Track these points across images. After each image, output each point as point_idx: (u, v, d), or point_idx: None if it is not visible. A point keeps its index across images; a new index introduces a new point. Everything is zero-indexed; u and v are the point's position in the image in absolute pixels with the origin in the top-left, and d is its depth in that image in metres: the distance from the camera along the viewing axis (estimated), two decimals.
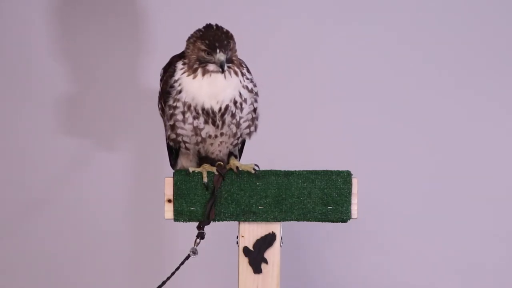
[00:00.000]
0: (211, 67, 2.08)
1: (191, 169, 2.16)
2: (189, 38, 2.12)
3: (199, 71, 2.09)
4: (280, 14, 3.07)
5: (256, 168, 2.16)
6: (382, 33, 3.08)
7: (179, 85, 2.10)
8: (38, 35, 3.06)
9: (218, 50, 2.06)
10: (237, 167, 2.15)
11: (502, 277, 3.09)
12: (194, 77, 2.09)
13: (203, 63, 2.08)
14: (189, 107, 2.09)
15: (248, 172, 2.14)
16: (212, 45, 2.07)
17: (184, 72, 2.10)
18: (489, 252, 3.09)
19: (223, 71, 2.08)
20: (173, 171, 2.21)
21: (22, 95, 3.07)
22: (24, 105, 3.07)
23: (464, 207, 3.09)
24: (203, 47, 2.07)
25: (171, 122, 2.12)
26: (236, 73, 2.11)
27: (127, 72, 3.07)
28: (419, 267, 3.09)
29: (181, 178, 2.14)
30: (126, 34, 3.06)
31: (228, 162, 2.21)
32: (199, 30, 2.11)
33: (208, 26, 2.11)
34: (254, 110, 2.17)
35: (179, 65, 2.12)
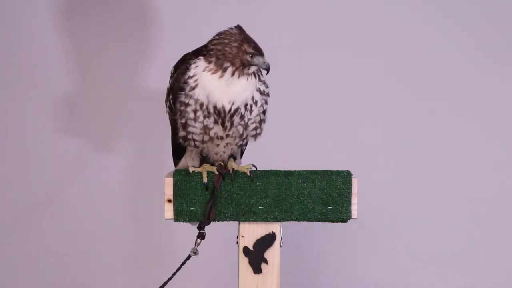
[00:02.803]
0: (252, 69, 2.10)
1: (191, 169, 2.15)
2: (228, 40, 2.08)
3: (229, 70, 2.07)
4: (279, 13, 3.07)
5: (253, 168, 2.16)
6: (381, 33, 3.08)
7: (195, 81, 2.09)
8: (38, 35, 3.06)
9: (263, 54, 2.10)
10: (233, 169, 2.15)
11: (502, 277, 3.09)
12: (220, 77, 2.07)
13: (246, 66, 2.09)
14: (201, 105, 2.08)
15: (244, 173, 2.15)
16: (257, 48, 2.10)
17: (207, 70, 2.08)
18: (489, 252, 3.09)
19: (268, 73, 2.12)
20: (173, 171, 2.21)
21: (22, 95, 3.07)
22: (24, 105, 3.07)
23: (464, 206, 3.09)
24: (250, 50, 2.08)
25: (183, 120, 2.11)
26: (255, 75, 2.12)
27: (128, 72, 3.07)
28: (419, 267, 3.09)
29: (181, 178, 2.14)
30: (127, 35, 3.06)
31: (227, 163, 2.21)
32: (237, 33, 2.10)
33: (241, 28, 2.11)
34: (264, 112, 2.17)
35: (201, 62, 2.09)
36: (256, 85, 2.12)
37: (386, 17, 3.08)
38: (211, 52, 2.09)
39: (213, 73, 2.08)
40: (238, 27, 2.11)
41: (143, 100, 3.05)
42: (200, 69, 2.09)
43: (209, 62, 2.09)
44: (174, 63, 2.17)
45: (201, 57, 2.10)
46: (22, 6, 3.05)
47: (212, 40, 2.11)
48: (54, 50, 3.06)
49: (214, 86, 2.07)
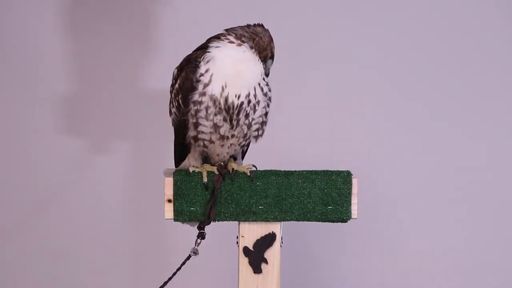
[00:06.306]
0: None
1: (191, 169, 2.15)
2: (263, 35, 2.14)
3: (247, 44, 2.11)
4: (280, 16, 3.07)
5: (253, 168, 2.16)
6: (381, 34, 3.08)
7: (209, 76, 2.07)
8: (39, 35, 3.06)
9: (273, 61, 2.20)
10: (233, 169, 2.15)
11: (502, 277, 3.09)
12: (239, 45, 2.10)
13: (264, 59, 2.15)
14: (214, 101, 2.08)
15: (244, 174, 2.15)
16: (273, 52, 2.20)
17: (225, 42, 2.10)
18: (489, 252, 3.09)
19: (267, 76, 2.18)
20: (173, 171, 2.20)
21: (22, 95, 3.07)
22: (25, 105, 3.07)
23: (465, 207, 3.09)
24: (274, 50, 2.18)
25: (194, 120, 2.11)
26: (263, 63, 2.16)
27: (128, 72, 3.07)
28: (419, 267, 3.09)
29: (181, 178, 2.14)
30: (128, 35, 3.06)
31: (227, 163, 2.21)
32: (265, 30, 2.16)
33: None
34: (266, 114, 2.17)
35: (215, 43, 2.10)
36: (261, 73, 2.13)
37: (386, 17, 3.08)
38: (244, 37, 2.12)
39: (230, 42, 2.10)
40: (262, 25, 2.18)
41: (143, 100, 3.05)
42: (214, 46, 2.09)
43: (229, 35, 2.12)
44: (175, 63, 2.16)
45: (215, 40, 2.12)
46: (22, 6, 3.05)
47: (242, 30, 2.14)
48: (54, 50, 3.06)
49: (228, 61, 2.08)
